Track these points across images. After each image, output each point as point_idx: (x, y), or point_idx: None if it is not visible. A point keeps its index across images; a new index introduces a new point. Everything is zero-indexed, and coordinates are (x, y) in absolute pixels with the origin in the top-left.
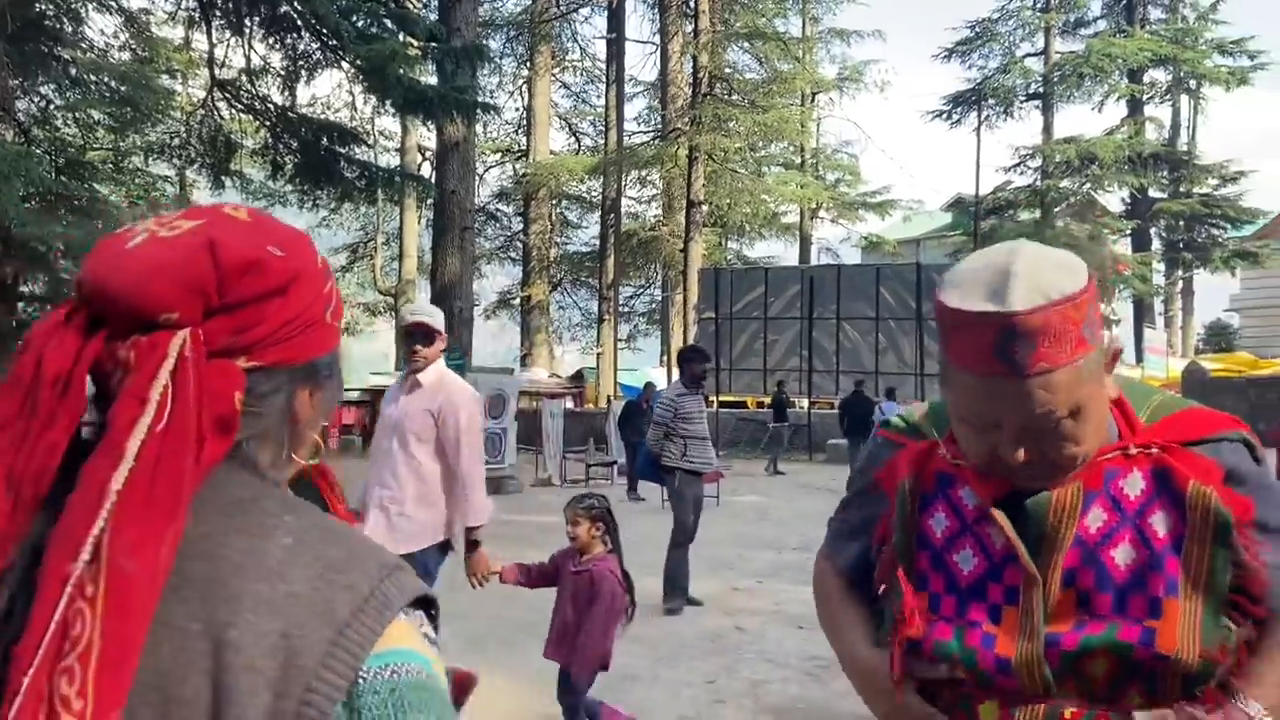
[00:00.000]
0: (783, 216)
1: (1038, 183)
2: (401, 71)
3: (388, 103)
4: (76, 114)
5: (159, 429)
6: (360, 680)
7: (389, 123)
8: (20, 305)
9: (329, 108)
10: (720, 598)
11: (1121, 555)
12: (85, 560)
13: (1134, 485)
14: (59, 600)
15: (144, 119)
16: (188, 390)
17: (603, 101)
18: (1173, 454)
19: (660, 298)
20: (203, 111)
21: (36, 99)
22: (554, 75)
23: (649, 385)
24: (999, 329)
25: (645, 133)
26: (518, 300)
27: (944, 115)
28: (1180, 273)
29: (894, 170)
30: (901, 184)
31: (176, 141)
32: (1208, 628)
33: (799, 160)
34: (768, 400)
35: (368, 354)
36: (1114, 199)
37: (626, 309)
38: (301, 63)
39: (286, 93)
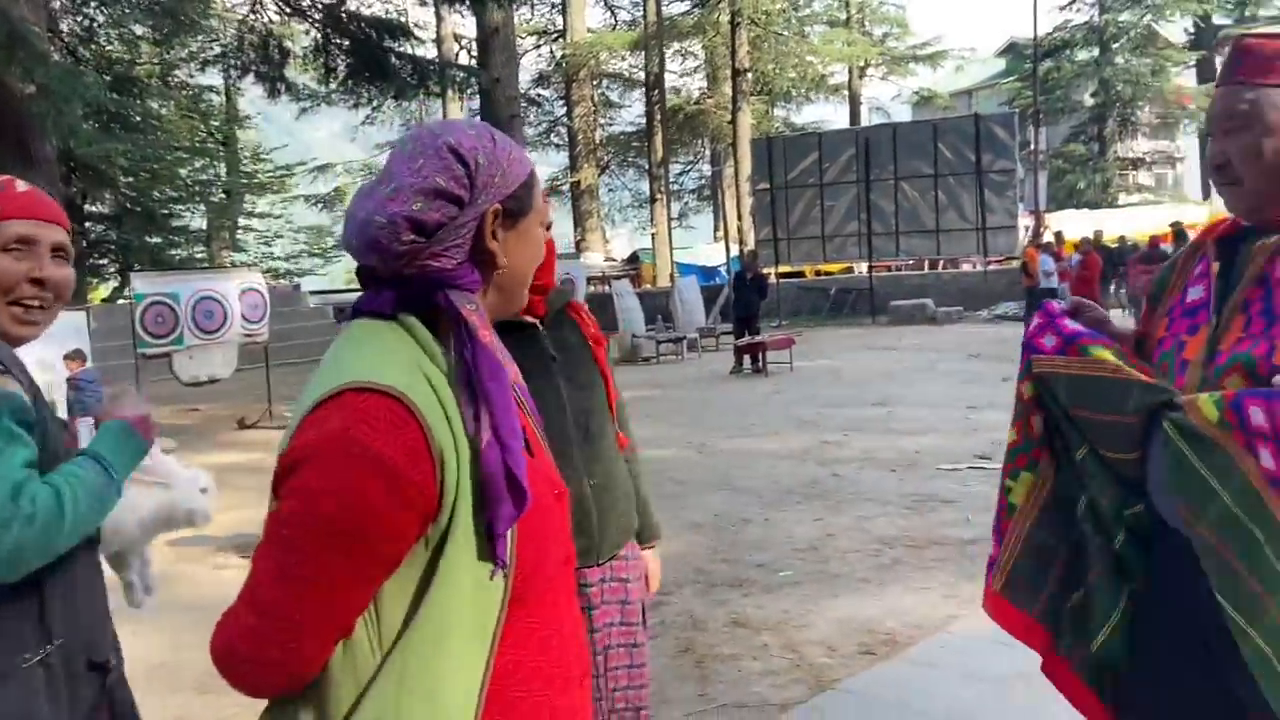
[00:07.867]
0: (830, 78)
1: (1095, 18)
2: None
3: None
4: (121, 29)
5: None
6: None
7: (423, 13)
8: (86, 225)
9: (364, 3)
10: (812, 450)
11: None
12: None
13: None
14: None
15: (185, 29)
16: None
17: None
18: None
19: (710, 173)
20: (252, 17)
21: (80, 18)
22: None
23: (751, 253)
24: (1229, 49)
25: (684, 0)
26: (566, 186)
27: None
28: None
29: (943, 18)
30: (952, 33)
31: (224, 50)
32: None
33: (844, 17)
34: (828, 268)
35: None
36: (1176, 29)
37: (677, 186)
38: None
39: None
